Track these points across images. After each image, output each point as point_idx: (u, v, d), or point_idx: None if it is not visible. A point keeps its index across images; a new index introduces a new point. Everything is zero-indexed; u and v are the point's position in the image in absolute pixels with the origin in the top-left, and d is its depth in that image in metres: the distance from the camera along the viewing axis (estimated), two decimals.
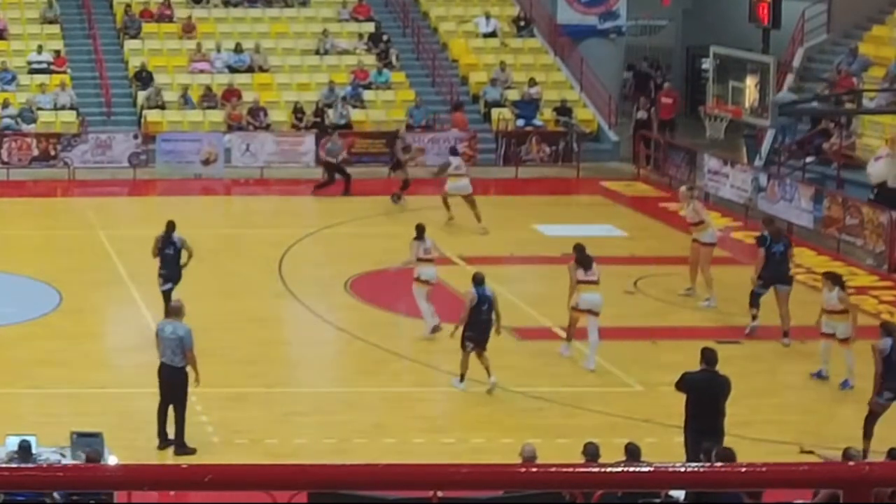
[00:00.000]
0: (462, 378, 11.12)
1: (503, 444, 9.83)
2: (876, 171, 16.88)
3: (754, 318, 12.56)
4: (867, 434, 9.81)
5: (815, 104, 18.91)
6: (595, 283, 11.77)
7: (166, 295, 12.13)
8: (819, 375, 11.52)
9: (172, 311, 10.21)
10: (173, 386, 9.88)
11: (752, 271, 12.60)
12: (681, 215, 14.49)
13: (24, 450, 8.29)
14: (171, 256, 12.43)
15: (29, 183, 19.86)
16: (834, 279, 11.48)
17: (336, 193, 18.86)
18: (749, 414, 10.38)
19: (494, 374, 11.08)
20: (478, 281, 11.13)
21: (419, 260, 12.44)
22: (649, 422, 10.48)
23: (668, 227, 17.47)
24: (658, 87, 24.81)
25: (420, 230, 12.60)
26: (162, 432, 9.92)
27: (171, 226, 12.58)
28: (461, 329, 11.03)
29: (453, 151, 17.84)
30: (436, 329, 12.21)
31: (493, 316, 11.05)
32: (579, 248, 11.97)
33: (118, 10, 23.42)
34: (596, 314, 11.71)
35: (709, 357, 9.27)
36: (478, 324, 10.94)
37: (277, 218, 18.28)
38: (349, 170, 19.32)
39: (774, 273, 12.39)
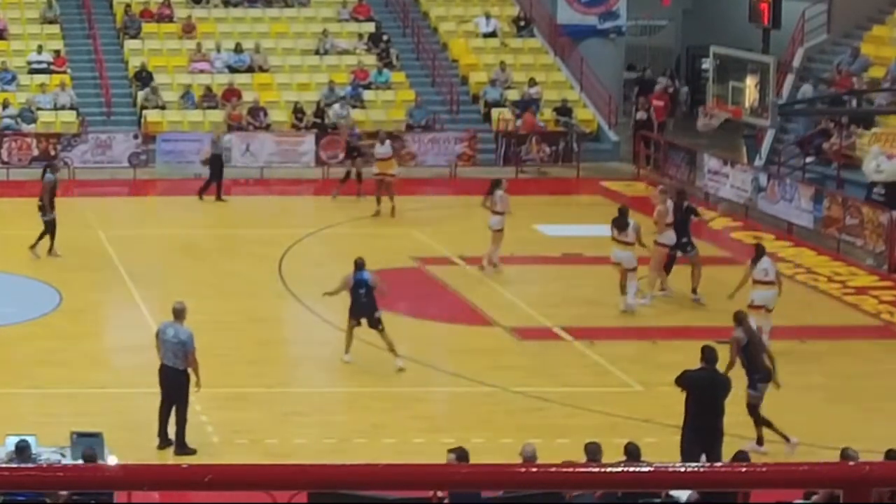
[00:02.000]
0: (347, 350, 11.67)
1: (503, 444, 9.84)
2: (891, 169, 16.83)
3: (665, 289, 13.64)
4: (759, 422, 9.96)
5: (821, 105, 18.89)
6: (626, 243, 13.11)
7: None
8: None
9: (175, 313, 10.19)
10: (175, 388, 9.89)
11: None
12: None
13: (21, 450, 8.28)
14: (361, 296, 11.66)
15: (29, 183, 19.86)
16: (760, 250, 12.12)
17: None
18: (748, 414, 10.37)
19: (400, 358, 11.48)
20: (358, 266, 11.77)
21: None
22: (649, 422, 10.49)
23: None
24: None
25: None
26: (163, 432, 9.92)
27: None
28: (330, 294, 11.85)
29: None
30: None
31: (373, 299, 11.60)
32: (620, 210, 13.28)
33: (118, 10, 23.42)
34: (629, 269, 13.09)
35: (709, 356, 9.29)
36: (357, 305, 11.66)
37: (277, 218, 18.28)
38: (348, 169, 19.33)
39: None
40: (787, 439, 9.96)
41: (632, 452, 8.17)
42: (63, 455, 8.67)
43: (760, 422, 9.95)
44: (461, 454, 7.88)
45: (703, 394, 9.15)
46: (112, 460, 8.54)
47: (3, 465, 2.54)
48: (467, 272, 14.98)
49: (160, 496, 7.54)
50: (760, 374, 9.95)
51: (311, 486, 2.30)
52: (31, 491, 2.06)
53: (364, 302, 11.61)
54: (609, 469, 2.26)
